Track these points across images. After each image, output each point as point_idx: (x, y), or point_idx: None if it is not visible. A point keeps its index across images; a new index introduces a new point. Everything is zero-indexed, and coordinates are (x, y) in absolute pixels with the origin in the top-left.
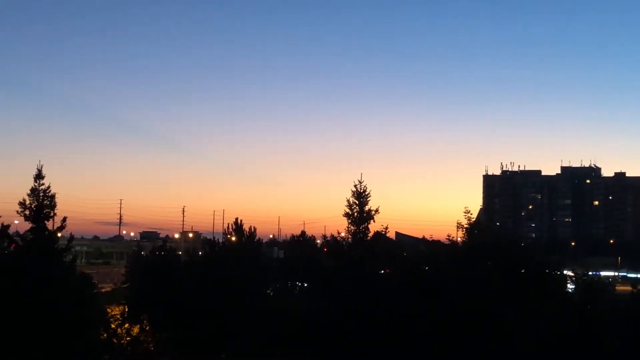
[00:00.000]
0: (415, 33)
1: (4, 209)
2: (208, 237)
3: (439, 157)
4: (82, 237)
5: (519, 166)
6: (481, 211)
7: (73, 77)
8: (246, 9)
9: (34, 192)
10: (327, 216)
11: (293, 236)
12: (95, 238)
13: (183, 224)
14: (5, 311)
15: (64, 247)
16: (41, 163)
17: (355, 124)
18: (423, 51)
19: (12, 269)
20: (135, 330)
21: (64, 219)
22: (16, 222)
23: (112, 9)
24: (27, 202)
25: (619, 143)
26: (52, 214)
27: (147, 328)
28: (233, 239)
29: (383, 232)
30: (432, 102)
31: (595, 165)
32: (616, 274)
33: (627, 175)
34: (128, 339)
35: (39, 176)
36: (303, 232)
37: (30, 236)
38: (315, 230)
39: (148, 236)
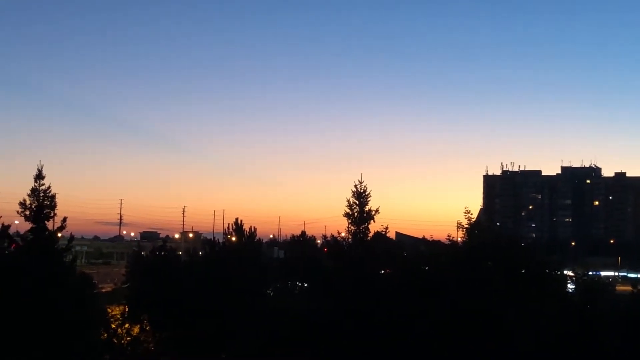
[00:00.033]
0: (415, 33)
1: (4, 209)
2: (208, 237)
3: (439, 157)
4: (83, 237)
5: (519, 166)
6: (481, 211)
7: (73, 77)
8: (246, 9)
9: (34, 192)
10: (327, 216)
11: (293, 236)
12: (96, 238)
13: (183, 224)
14: (5, 311)
15: (64, 247)
16: (41, 163)
17: (355, 124)
18: (423, 51)
19: (12, 269)
20: (136, 330)
21: (64, 219)
22: (16, 222)
23: (112, 9)
24: (28, 202)
25: (619, 143)
26: (52, 214)
27: (148, 328)
28: (233, 239)
29: (383, 232)
30: (432, 102)
31: (595, 166)
32: (616, 274)
33: (627, 175)
34: (128, 339)
35: (39, 176)
36: (303, 232)
37: (31, 236)
38: (316, 230)
39: (148, 236)
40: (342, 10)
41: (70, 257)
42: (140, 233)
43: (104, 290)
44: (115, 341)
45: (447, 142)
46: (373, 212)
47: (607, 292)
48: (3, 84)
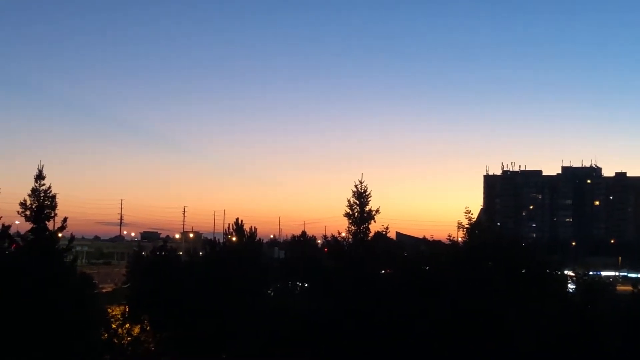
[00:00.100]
0: (415, 33)
1: (4, 209)
2: (209, 238)
3: (439, 157)
4: (83, 238)
5: (519, 166)
6: (482, 211)
7: (73, 77)
8: (246, 9)
9: (34, 192)
10: (327, 216)
11: (293, 236)
12: (96, 238)
13: (184, 224)
14: (5, 311)
15: (64, 247)
16: (42, 163)
17: (355, 124)
18: (423, 51)
19: (12, 269)
20: (136, 330)
21: (65, 220)
22: (17, 222)
23: (112, 9)
24: (28, 202)
25: (619, 143)
26: (52, 215)
27: (148, 328)
28: (234, 239)
29: (384, 232)
30: (432, 102)
31: (596, 165)
32: (617, 274)
33: (628, 175)
34: (129, 339)
35: (39, 176)
36: (304, 232)
37: (31, 236)
38: (316, 230)
39: (149, 236)
40: (342, 10)
41: (71, 257)
42: (140, 233)
43: (104, 291)
44: (115, 341)
45: (447, 142)
46: (373, 212)
47: (608, 292)
48: (3, 84)
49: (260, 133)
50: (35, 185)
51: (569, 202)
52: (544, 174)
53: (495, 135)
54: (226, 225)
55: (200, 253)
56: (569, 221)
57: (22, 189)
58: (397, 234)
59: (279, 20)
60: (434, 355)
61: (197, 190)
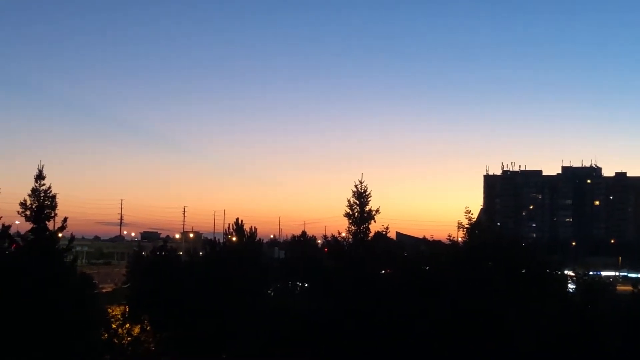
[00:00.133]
0: (415, 33)
1: (4, 209)
2: (209, 238)
3: (439, 157)
4: (83, 238)
5: (519, 166)
6: (482, 211)
7: (73, 77)
8: (246, 9)
9: (34, 192)
10: (327, 216)
11: (294, 236)
12: (96, 238)
13: (184, 224)
14: (5, 311)
15: (64, 247)
16: (42, 163)
17: (355, 124)
18: (423, 51)
19: (13, 269)
20: (136, 330)
21: (65, 220)
22: (17, 222)
23: (112, 9)
24: (28, 202)
25: (619, 143)
26: (52, 215)
27: (148, 328)
28: (234, 239)
29: (384, 232)
30: (432, 102)
31: (596, 165)
32: (617, 274)
33: (628, 175)
34: (129, 339)
35: (39, 176)
36: (304, 232)
37: (31, 236)
38: (316, 230)
39: (149, 236)
40: (342, 10)
41: (71, 257)
42: (140, 233)
43: (104, 291)
44: (115, 341)
45: (447, 142)
46: (373, 212)
47: (608, 292)
48: (3, 84)
49: (260, 133)
50: (35, 185)
51: (569, 202)
52: (544, 174)
53: (495, 135)
54: (226, 225)
55: (201, 253)
56: (569, 221)
57: (22, 189)
58: (397, 234)
59: (279, 20)
60: (434, 355)
61: (197, 190)
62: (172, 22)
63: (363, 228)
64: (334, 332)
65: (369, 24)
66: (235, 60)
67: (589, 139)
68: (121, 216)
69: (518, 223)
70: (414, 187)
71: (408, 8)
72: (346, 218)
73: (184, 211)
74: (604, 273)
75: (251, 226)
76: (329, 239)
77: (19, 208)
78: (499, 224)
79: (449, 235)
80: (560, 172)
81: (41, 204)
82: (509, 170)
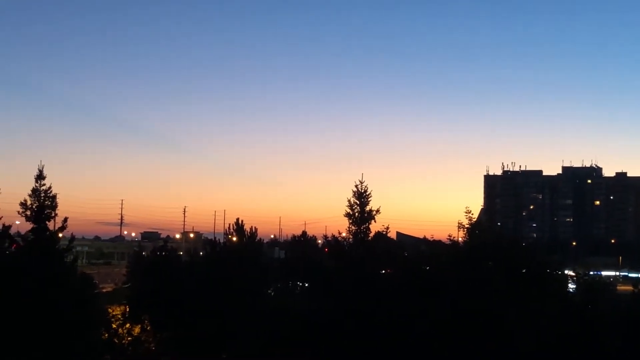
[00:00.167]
0: (415, 33)
1: (5, 209)
2: (209, 238)
3: (439, 157)
4: (83, 238)
5: (520, 166)
6: (482, 211)
7: (73, 77)
8: (246, 9)
9: (35, 192)
10: (327, 216)
11: (294, 236)
12: (97, 238)
13: (184, 224)
14: (6, 311)
15: (65, 247)
16: (42, 163)
17: (355, 124)
18: (423, 51)
19: (13, 269)
20: (137, 330)
21: (65, 220)
22: (17, 222)
23: (112, 9)
24: (28, 202)
25: (620, 143)
26: (53, 215)
27: (148, 328)
28: (234, 239)
29: (384, 232)
30: (432, 102)
31: (596, 165)
32: (617, 273)
33: (628, 175)
34: (129, 339)
35: (40, 177)
36: (304, 232)
37: (32, 236)
38: (316, 230)
39: (149, 236)
40: (342, 10)
41: (71, 257)
42: (141, 233)
43: (104, 291)
44: (116, 341)
45: (447, 142)
46: (374, 212)
47: (608, 292)
48: (3, 84)
49: (260, 133)
50: (35, 186)
51: (569, 202)
52: (544, 174)
53: (495, 135)
54: (226, 226)
55: (201, 253)
56: (570, 221)
57: (23, 189)
58: (398, 234)
59: (279, 20)
60: (434, 355)
61: (197, 190)
62: (172, 22)
63: (363, 228)
64: (334, 332)
65: (369, 24)
66: (235, 60)
67: (589, 139)
68: (121, 216)
69: (518, 223)
70: (414, 187)
71: (408, 8)
72: (346, 218)
73: (184, 211)
74: (604, 273)
75: (251, 226)
76: (329, 239)
77: (19, 208)
78: (499, 224)
79: (449, 235)
80: (560, 172)
81: (41, 204)
82: (509, 170)
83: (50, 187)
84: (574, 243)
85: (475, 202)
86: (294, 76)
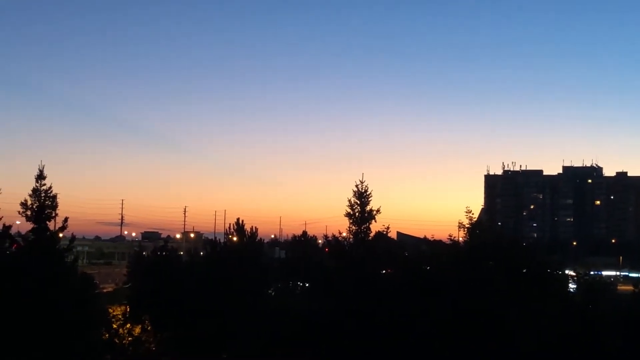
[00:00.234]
0: (415, 33)
1: (5, 209)
2: (209, 238)
3: (439, 157)
4: (84, 238)
5: (520, 166)
6: (483, 211)
7: (73, 77)
8: (246, 9)
9: (35, 192)
10: (328, 216)
11: (294, 236)
12: (97, 238)
13: (184, 224)
14: (6, 311)
15: (65, 247)
16: (42, 163)
17: (355, 124)
18: (423, 51)
19: (13, 269)
20: (137, 330)
21: (66, 220)
22: (18, 222)
23: (112, 9)
24: (29, 202)
25: (620, 143)
26: (53, 215)
27: (149, 328)
28: (234, 239)
29: (384, 232)
30: (432, 102)
31: (596, 165)
32: (618, 273)
33: (628, 175)
34: (130, 339)
35: (40, 176)
36: (304, 232)
37: (32, 237)
38: (317, 230)
39: (149, 236)
40: (342, 10)
41: (72, 257)
42: (141, 233)
43: (105, 291)
44: (116, 341)
45: (448, 142)
46: (374, 212)
47: (609, 291)
48: (3, 84)
49: (260, 133)
50: (36, 185)
51: (570, 201)
52: (544, 173)
53: (496, 135)
54: (227, 225)
55: (201, 253)
56: (570, 221)
57: (23, 189)
58: (398, 233)
59: (279, 20)
60: (435, 355)
61: (197, 190)
62: (172, 22)
63: (364, 228)
64: (335, 332)
65: (369, 24)
66: (235, 60)
67: (590, 139)
68: (122, 216)
69: (519, 223)
70: (415, 187)
71: (408, 8)
72: (347, 218)
73: (185, 211)
74: (604, 273)
75: (252, 226)
76: (330, 238)
77: (19, 208)
78: (499, 223)
79: (450, 235)
80: (561, 171)
81: (42, 204)
82: (509, 170)
83: (50, 187)
84: (575, 243)
85: (475, 202)
86: (294, 76)
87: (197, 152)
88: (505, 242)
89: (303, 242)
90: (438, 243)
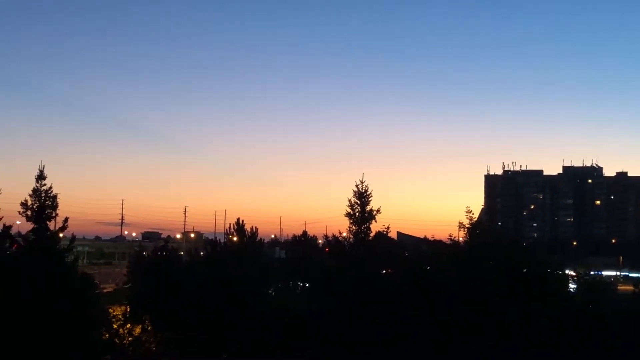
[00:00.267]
0: (415, 33)
1: (5, 209)
2: (210, 238)
3: (439, 157)
4: (84, 238)
5: (520, 166)
6: (483, 211)
7: (73, 77)
8: (246, 9)
9: (35, 192)
10: (328, 216)
11: (294, 236)
12: (97, 238)
13: (185, 224)
14: (6, 311)
15: (65, 247)
16: (43, 163)
17: (355, 124)
18: (423, 51)
19: (13, 269)
20: (137, 330)
21: (66, 220)
22: (18, 222)
23: (112, 9)
24: (29, 202)
25: (620, 143)
26: (53, 215)
27: (149, 328)
28: (235, 239)
29: (385, 232)
30: (432, 102)
31: (597, 165)
32: (618, 273)
33: (628, 175)
34: (130, 339)
35: (40, 177)
36: (304, 232)
37: (32, 237)
38: (317, 230)
39: (150, 236)
40: (342, 10)
41: (72, 257)
42: (141, 233)
43: (105, 291)
44: (117, 341)
45: (448, 142)
46: (374, 212)
47: (609, 291)
48: (3, 84)
49: (260, 133)
50: (36, 186)
51: (570, 201)
52: (544, 173)
53: (496, 135)
54: (227, 225)
55: (202, 253)
56: (570, 221)
57: (23, 189)
58: (398, 233)
59: (279, 20)
60: (435, 355)
61: (197, 190)
62: (172, 22)
63: (364, 228)
64: (335, 332)
65: (369, 24)
66: (235, 60)
67: (590, 139)
68: (122, 216)
69: (519, 223)
70: (415, 187)
71: (408, 8)
72: (347, 218)
73: (185, 211)
74: (604, 273)
75: (252, 226)
76: (330, 238)
77: (20, 208)
78: (499, 223)
79: (450, 235)
80: (561, 171)
81: (42, 204)
82: (509, 170)
83: (50, 187)
84: (575, 243)
85: (475, 201)
86: (294, 76)
87: (197, 152)
88: (505, 242)
89: (303, 242)
90: (438, 243)
